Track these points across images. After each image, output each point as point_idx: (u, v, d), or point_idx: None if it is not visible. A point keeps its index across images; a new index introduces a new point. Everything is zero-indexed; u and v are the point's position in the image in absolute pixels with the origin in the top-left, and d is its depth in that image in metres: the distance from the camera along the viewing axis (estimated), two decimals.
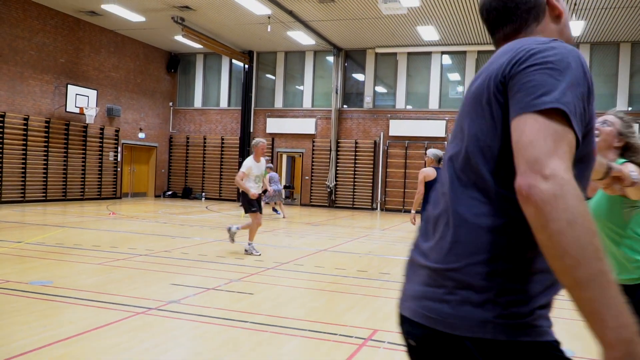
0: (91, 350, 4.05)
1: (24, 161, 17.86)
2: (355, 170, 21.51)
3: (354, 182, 21.53)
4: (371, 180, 21.28)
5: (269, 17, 17.04)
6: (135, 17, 18.55)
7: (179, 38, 19.87)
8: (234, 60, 22.90)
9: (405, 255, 1.48)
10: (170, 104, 24.57)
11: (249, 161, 8.66)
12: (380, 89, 21.72)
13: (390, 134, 20.87)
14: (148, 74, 23.12)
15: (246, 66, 22.54)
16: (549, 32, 1.41)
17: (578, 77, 1.18)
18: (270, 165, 16.75)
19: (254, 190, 8.50)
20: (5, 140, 17.16)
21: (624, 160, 2.74)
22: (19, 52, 17.55)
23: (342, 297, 6.19)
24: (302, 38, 19.46)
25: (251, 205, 8.74)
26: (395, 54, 20.77)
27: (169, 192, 24.43)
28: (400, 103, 21.02)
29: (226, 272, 7.34)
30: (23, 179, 17.89)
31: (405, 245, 11.02)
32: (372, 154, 21.07)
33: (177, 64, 24.27)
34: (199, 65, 24.18)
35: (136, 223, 13.20)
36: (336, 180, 21.65)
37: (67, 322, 4.74)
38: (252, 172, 8.56)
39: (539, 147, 1.10)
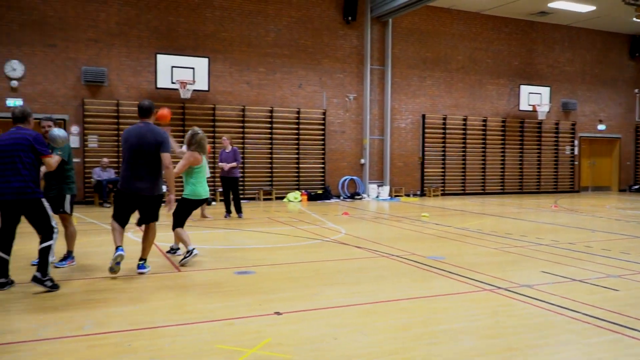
0: (419, 307, 5.11)
1: (483, 158, 20.13)
2: None
3: None
4: None
5: None
6: (584, 8, 18.27)
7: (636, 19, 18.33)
8: None
9: None
10: (636, 91, 22.69)
11: None
12: None
13: None
14: (607, 62, 22.08)
15: None
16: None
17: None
18: None
19: None
20: (467, 140, 19.79)
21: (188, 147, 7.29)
22: (478, 62, 19.87)
23: None
24: None
25: None
26: None
27: (635, 186, 22.64)
28: None
29: (612, 267, 7.07)
30: (483, 173, 20.18)
31: None
32: None
33: None
34: None
35: (569, 216, 13.30)
36: None
37: (428, 287, 5.94)
38: None
39: None
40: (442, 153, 19.54)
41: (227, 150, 12.18)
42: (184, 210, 7.23)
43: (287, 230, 10.29)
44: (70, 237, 6.73)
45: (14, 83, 14.41)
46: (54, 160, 5.70)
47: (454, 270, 6.73)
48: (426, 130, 19.22)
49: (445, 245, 8.72)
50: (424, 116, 19.15)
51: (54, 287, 5.50)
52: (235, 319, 4.65)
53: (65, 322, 4.49)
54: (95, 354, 3.80)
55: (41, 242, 5.58)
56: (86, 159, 15.09)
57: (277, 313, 4.84)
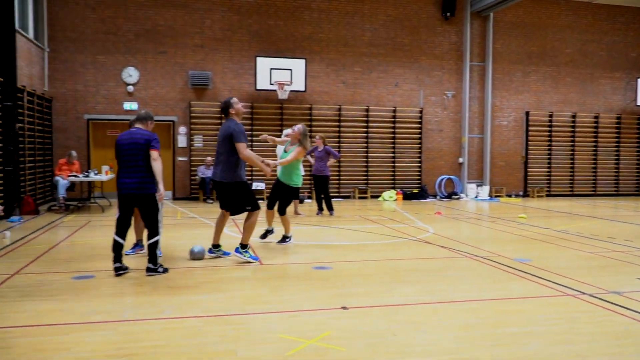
0: (490, 308, 4.97)
1: (594, 157, 18.87)
2: None
3: None
4: None
5: None
6: None
7: None
8: None
9: None
10: None
11: None
12: None
13: None
14: None
15: None
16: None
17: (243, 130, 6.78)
18: None
19: None
20: (576, 138, 18.65)
21: (298, 143, 8.19)
22: (589, 55, 18.67)
23: None
24: None
25: None
26: None
27: None
28: None
29: None
30: (594, 174, 18.92)
31: None
32: None
33: None
34: None
35: None
36: None
37: (505, 289, 5.76)
38: None
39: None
40: (548, 152, 18.56)
41: (319, 149, 12.45)
42: (290, 196, 8.36)
43: (374, 229, 10.35)
44: None
45: (130, 88, 15.69)
46: (157, 154, 6.20)
47: (538, 274, 6.45)
48: (530, 128, 18.34)
49: (536, 248, 8.34)
50: (527, 113, 18.30)
51: (166, 270, 6.28)
52: (302, 312, 4.83)
53: (148, 307, 4.91)
54: (167, 335, 4.14)
55: (148, 238, 6.24)
56: (192, 158, 16.08)
57: (344, 308, 4.94)
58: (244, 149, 6.66)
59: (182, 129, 16.06)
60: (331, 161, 12.55)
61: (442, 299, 5.31)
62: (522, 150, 18.46)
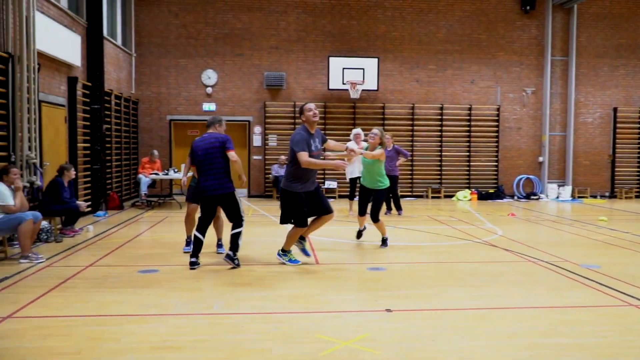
0: (540, 317, 4.81)
1: None
2: None
3: None
4: None
5: None
6: None
7: None
8: None
9: None
10: None
11: None
12: None
13: None
14: None
15: None
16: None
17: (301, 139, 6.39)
18: None
19: None
20: None
21: (379, 146, 8.07)
22: None
23: None
24: None
25: None
26: None
27: None
28: None
29: None
30: None
31: None
32: None
33: None
34: None
35: None
36: None
37: (563, 296, 5.53)
38: None
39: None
40: (638, 150, 17.38)
41: (388, 149, 12.41)
42: (381, 199, 8.20)
43: (440, 230, 10.20)
44: (220, 227, 7.59)
45: (209, 90, 16.37)
46: (234, 154, 6.56)
47: (604, 281, 6.14)
48: (618, 125, 17.26)
49: (609, 254, 7.91)
50: (615, 109, 17.23)
51: (238, 265, 6.62)
52: (345, 312, 4.90)
53: (200, 302, 5.18)
54: (212, 330, 4.36)
55: (232, 229, 6.65)
56: (266, 157, 16.53)
57: (388, 310, 4.97)
58: (302, 158, 6.30)
59: (257, 129, 16.53)
60: (401, 160, 12.51)
61: (492, 305, 5.21)
62: (608, 148, 17.42)
